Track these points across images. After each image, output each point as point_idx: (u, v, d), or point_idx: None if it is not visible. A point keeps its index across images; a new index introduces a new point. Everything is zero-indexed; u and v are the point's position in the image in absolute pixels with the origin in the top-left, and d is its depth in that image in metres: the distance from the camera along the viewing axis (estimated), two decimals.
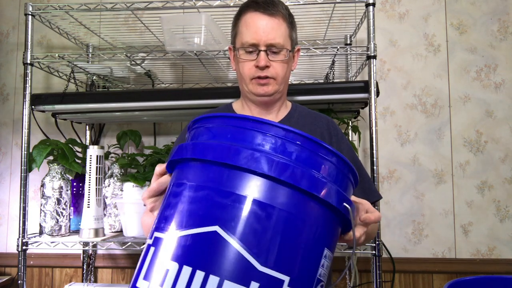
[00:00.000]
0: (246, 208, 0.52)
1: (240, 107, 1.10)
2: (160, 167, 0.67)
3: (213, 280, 0.48)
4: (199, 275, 0.49)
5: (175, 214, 0.55)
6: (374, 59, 1.33)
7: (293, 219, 0.53)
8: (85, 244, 1.43)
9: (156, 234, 0.56)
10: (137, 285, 0.54)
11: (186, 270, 0.50)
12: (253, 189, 0.52)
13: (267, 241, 0.51)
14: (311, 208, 0.54)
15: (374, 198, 1.07)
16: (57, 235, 1.43)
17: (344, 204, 0.56)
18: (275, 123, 0.55)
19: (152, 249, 0.55)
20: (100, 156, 1.41)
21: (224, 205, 0.52)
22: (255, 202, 0.52)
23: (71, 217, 1.53)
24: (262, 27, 0.96)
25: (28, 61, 1.43)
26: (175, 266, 0.51)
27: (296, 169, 0.52)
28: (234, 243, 0.50)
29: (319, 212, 0.55)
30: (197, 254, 0.50)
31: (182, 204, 0.55)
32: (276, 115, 1.06)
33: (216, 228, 0.51)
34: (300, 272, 0.52)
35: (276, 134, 0.55)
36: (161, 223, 0.57)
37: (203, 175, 0.55)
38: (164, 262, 0.52)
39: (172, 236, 0.53)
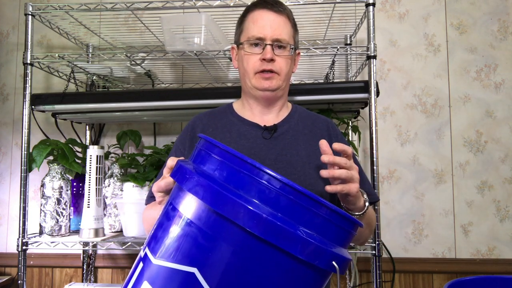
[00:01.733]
0: (226, 258, 0.51)
1: (240, 107, 1.09)
2: (172, 162, 0.69)
3: None
4: None
5: (164, 240, 0.55)
6: (374, 59, 1.33)
7: (272, 277, 0.51)
8: (85, 244, 1.43)
9: (147, 251, 0.57)
10: None
11: None
12: (235, 240, 0.51)
13: None
14: (293, 268, 0.52)
15: (372, 200, 1.08)
16: (57, 235, 1.43)
17: (333, 263, 0.53)
18: (274, 174, 0.52)
19: (141, 264, 0.57)
20: (100, 156, 1.41)
21: (206, 249, 0.51)
22: (236, 253, 0.50)
23: (71, 217, 1.54)
24: (270, 22, 0.98)
25: (28, 61, 1.43)
26: None
27: (283, 229, 0.49)
28: None
29: (301, 270, 0.52)
30: None
31: (172, 232, 0.55)
32: (277, 115, 1.06)
33: (194, 270, 0.51)
34: None
35: (272, 186, 0.52)
36: (153, 242, 0.58)
37: (193, 210, 0.54)
38: (146, 286, 0.54)
39: (158, 262, 0.54)
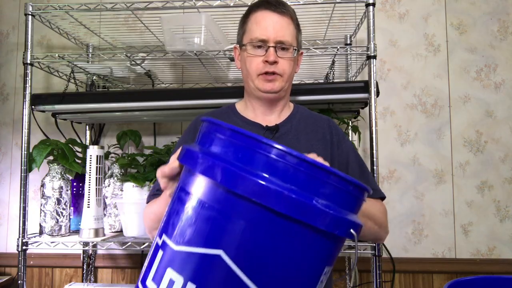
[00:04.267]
0: (250, 237, 0.51)
1: (243, 107, 1.10)
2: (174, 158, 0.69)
3: None
4: None
5: (182, 225, 0.55)
6: (374, 59, 1.33)
7: (296, 249, 0.52)
8: (85, 244, 1.43)
9: (165, 238, 0.57)
10: (147, 283, 0.56)
11: (190, 287, 0.51)
12: (257, 218, 0.51)
13: (270, 270, 0.51)
14: (315, 239, 0.53)
15: (377, 196, 1.07)
16: (57, 235, 1.43)
17: (351, 231, 0.55)
18: (288, 149, 0.52)
19: (160, 252, 0.56)
20: (100, 156, 1.41)
21: (230, 230, 0.52)
22: (259, 231, 0.51)
23: (71, 217, 1.53)
24: (273, 24, 0.98)
25: (28, 61, 1.43)
26: (180, 280, 0.52)
27: (302, 203, 0.50)
28: (237, 270, 0.50)
29: (322, 241, 0.54)
30: (201, 274, 0.52)
31: (188, 216, 0.55)
32: (278, 115, 1.06)
33: (220, 252, 0.51)
34: None
35: (282, 160, 0.52)
36: (169, 227, 0.57)
37: (210, 192, 0.54)
38: (170, 272, 0.53)
39: (179, 248, 0.54)
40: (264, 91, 1.00)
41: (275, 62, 0.98)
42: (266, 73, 0.99)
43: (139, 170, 1.52)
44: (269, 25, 0.98)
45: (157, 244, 0.58)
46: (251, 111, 1.07)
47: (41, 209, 1.44)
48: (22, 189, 1.40)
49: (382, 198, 1.09)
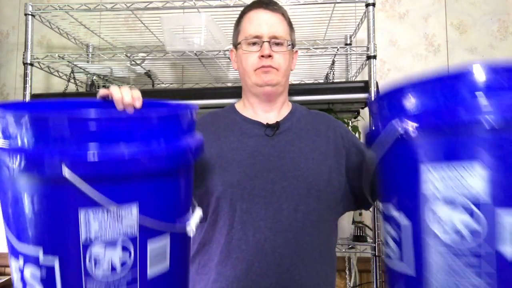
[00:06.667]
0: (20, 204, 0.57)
1: (242, 107, 1.10)
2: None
3: None
4: None
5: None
6: (374, 59, 1.33)
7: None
8: None
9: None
10: None
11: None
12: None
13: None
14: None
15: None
16: None
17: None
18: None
19: None
20: None
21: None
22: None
23: None
24: (265, 20, 1.00)
25: (28, 61, 1.43)
26: None
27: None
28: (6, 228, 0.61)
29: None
30: None
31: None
32: (278, 113, 1.07)
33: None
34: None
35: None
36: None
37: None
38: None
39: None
40: (261, 84, 1.01)
41: (270, 56, 0.99)
42: (262, 66, 1.00)
43: None
44: (262, 21, 1.00)
45: None
46: (250, 109, 1.08)
47: None
48: None
49: None
